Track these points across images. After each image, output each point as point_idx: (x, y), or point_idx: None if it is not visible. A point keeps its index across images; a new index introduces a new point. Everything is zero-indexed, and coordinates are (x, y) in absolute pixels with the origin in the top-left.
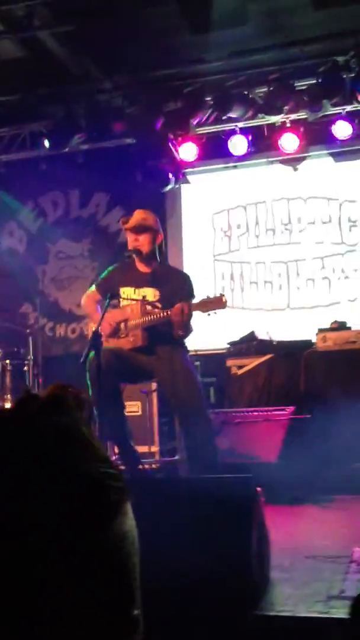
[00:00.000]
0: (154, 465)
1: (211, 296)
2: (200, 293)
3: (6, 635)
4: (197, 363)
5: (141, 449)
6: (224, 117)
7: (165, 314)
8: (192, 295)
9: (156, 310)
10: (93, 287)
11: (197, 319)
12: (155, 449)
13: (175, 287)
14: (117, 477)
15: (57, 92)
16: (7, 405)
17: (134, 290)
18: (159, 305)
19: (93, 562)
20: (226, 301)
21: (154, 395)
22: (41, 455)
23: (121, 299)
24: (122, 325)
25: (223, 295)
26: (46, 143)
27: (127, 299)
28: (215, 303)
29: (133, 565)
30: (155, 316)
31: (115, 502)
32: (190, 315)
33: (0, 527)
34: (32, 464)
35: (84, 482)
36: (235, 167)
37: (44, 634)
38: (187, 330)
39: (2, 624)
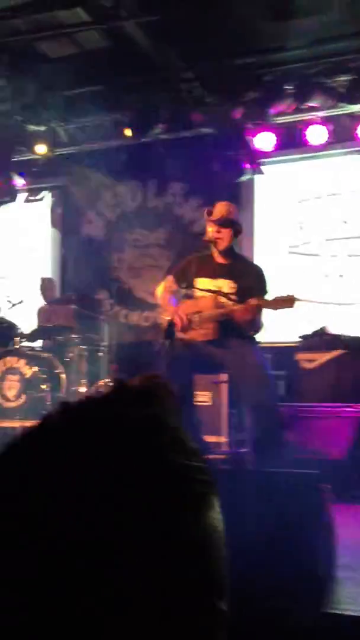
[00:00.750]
0: (222, 457)
1: (283, 294)
2: (272, 285)
3: (92, 632)
4: (268, 356)
5: (210, 439)
6: (303, 107)
7: (232, 309)
8: (265, 291)
9: (230, 303)
10: (169, 277)
11: (270, 311)
12: (224, 439)
13: (250, 281)
14: (204, 470)
15: (139, 82)
16: (82, 389)
17: (210, 281)
18: (233, 297)
19: (180, 555)
20: (295, 300)
21: (224, 386)
22: (129, 446)
23: (196, 290)
24: (196, 317)
25: (294, 295)
26: (128, 132)
27: (203, 290)
28: (285, 302)
29: (221, 559)
30: (225, 310)
31: (202, 495)
32: (259, 312)
33: (88, 519)
34: (120, 455)
35: (171, 474)
36: (312, 157)
37: (130, 628)
38: (254, 327)
39: (88, 618)
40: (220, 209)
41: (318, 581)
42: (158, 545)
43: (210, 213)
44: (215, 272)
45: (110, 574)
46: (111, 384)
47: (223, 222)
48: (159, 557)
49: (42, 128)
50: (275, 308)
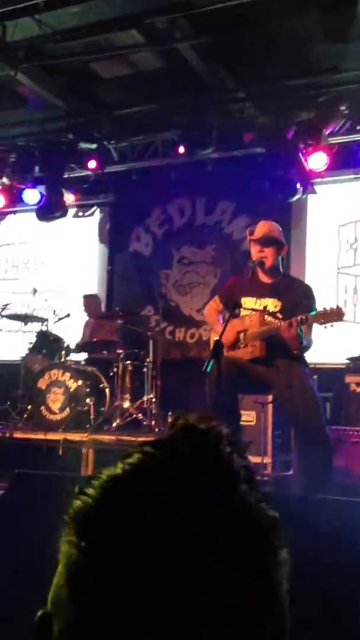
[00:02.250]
0: (265, 478)
1: (328, 308)
2: (321, 306)
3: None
4: (315, 377)
5: (253, 459)
6: (357, 127)
7: (277, 326)
8: (313, 308)
9: (275, 321)
10: (216, 297)
11: (316, 332)
12: (267, 460)
13: (296, 298)
14: (278, 519)
15: (192, 102)
16: (126, 404)
17: (255, 300)
18: (279, 315)
19: (255, 610)
20: (344, 313)
21: (270, 407)
22: (213, 494)
23: (242, 309)
24: (242, 335)
25: (340, 307)
26: (182, 149)
27: (248, 309)
28: (332, 315)
29: (285, 612)
30: (271, 327)
31: (281, 546)
32: (309, 329)
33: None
34: (204, 504)
35: (251, 520)
36: None
37: None
38: (302, 344)
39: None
40: (262, 228)
41: None
42: (239, 594)
43: (252, 232)
44: (260, 291)
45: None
46: (177, 424)
47: (264, 241)
48: (239, 608)
49: (94, 146)
50: (321, 322)
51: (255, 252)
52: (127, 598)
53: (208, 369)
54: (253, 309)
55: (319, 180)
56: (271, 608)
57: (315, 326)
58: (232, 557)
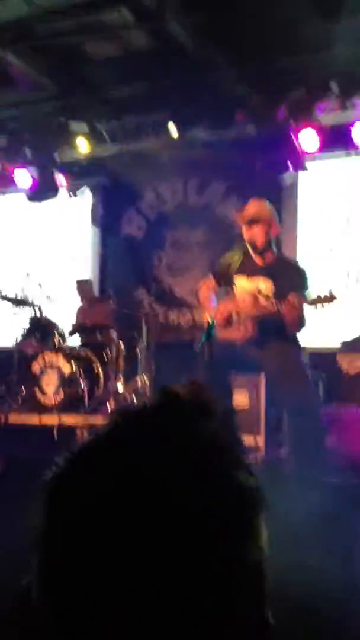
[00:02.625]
0: (260, 458)
1: (321, 294)
2: (314, 286)
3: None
4: (307, 358)
5: (247, 439)
6: (348, 105)
7: (277, 307)
8: (306, 288)
9: (268, 302)
10: (210, 276)
11: (309, 315)
12: (260, 439)
13: (289, 280)
14: (258, 487)
15: (183, 82)
16: (120, 387)
17: (248, 280)
18: (271, 297)
19: (241, 573)
20: (336, 297)
21: (262, 387)
22: (195, 463)
23: (235, 288)
24: (234, 316)
25: (332, 292)
26: (173, 131)
27: (241, 288)
28: (326, 298)
29: (267, 575)
30: (267, 309)
31: (258, 513)
32: (301, 309)
33: (155, 537)
34: (186, 473)
35: (237, 491)
36: (357, 155)
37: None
38: (300, 324)
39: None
40: (250, 208)
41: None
42: (222, 564)
43: (241, 212)
44: (253, 271)
45: (171, 596)
46: (163, 393)
47: (252, 221)
48: (223, 577)
49: (85, 127)
50: (313, 304)
51: (245, 232)
52: (85, 567)
53: (201, 349)
54: (247, 290)
55: (311, 158)
56: (244, 575)
57: (308, 309)
58: (199, 528)
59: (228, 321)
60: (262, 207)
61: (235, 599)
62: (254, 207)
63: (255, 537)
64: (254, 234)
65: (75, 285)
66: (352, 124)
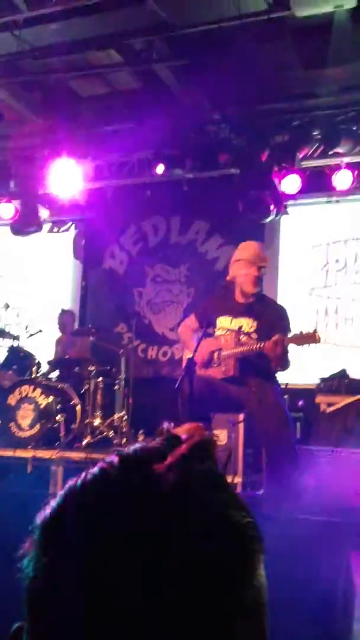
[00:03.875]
0: None
1: (304, 332)
2: (293, 326)
3: None
4: (286, 397)
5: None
6: (330, 152)
7: (259, 346)
8: (288, 329)
9: (250, 341)
10: (192, 316)
11: (289, 352)
12: (238, 479)
13: (272, 319)
14: (255, 525)
15: (167, 122)
16: (97, 422)
17: (231, 320)
18: (254, 335)
19: (234, 616)
20: (319, 337)
21: (241, 426)
22: (192, 502)
23: (217, 329)
24: (216, 354)
25: (317, 331)
26: (160, 169)
27: (223, 329)
28: (309, 338)
29: (266, 617)
30: (249, 347)
31: (255, 552)
32: (285, 349)
33: (153, 581)
34: (183, 510)
35: (231, 531)
36: (337, 201)
37: None
38: (285, 364)
39: None
40: (251, 247)
41: (334, 632)
42: (220, 601)
43: (241, 252)
44: (235, 311)
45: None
46: (162, 434)
47: (252, 261)
48: (220, 614)
49: (71, 162)
50: (299, 344)
51: (236, 270)
52: (74, 603)
53: (181, 387)
54: (228, 329)
55: (292, 202)
56: (246, 611)
57: (290, 346)
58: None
59: (208, 360)
60: (261, 250)
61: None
62: (255, 248)
63: (254, 576)
64: (248, 274)
65: (58, 315)
66: (333, 170)
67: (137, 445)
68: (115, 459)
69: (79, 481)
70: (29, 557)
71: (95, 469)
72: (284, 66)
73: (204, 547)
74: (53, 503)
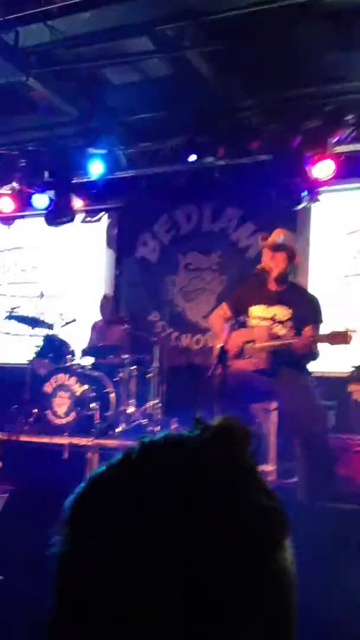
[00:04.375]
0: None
1: (336, 331)
2: (326, 314)
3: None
4: (319, 386)
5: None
6: None
7: (290, 342)
8: (320, 320)
9: (285, 331)
10: (224, 304)
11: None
12: (271, 468)
13: (305, 308)
14: (280, 509)
15: (200, 109)
16: (131, 409)
17: (265, 308)
18: (289, 324)
19: (257, 598)
20: (351, 337)
21: (274, 414)
22: (211, 484)
23: (250, 317)
24: (248, 346)
25: (348, 330)
26: (192, 157)
27: (257, 318)
28: (341, 337)
29: (292, 602)
30: (281, 342)
31: (280, 536)
32: (315, 346)
33: (169, 555)
34: (202, 493)
35: (251, 513)
36: None
37: None
38: (314, 357)
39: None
40: (275, 234)
41: None
42: (237, 584)
43: (265, 239)
44: (269, 299)
45: (187, 619)
46: (195, 422)
47: (276, 247)
48: (238, 597)
49: (103, 152)
50: (331, 343)
51: (266, 259)
52: (100, 580)
53: (213, 375)
54: (263, 318)
55: (324, 188)
56: (273, 599)
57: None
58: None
59: (240, 351)
60: (288, 236)
61: (260, 624)
62: (280, 235)
63: (278, 558)
64: (276, 261)
65: (92, 304)
66: None
67: (162, 434)
68: (139, 444)
69: (103, 468)
70: (58, 537)
71: (118, 456)
72: (316, 50)
73: (228, 529)
74: (80, 486)
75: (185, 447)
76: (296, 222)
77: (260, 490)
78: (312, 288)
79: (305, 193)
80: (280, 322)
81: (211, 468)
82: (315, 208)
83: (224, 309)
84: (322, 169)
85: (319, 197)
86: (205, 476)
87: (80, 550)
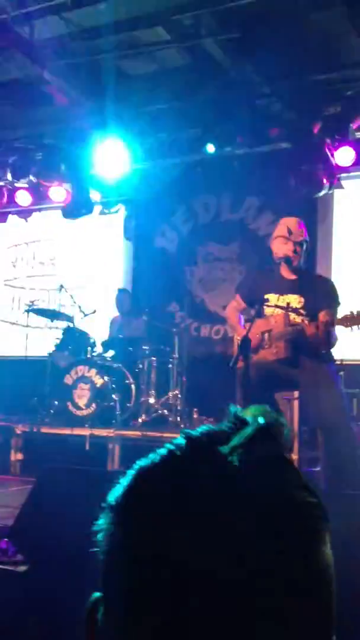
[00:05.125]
0: None
1: (355, 312)
2: (348, 301)
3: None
4: (341, 373)
5: None
6: None
7: (309, 326)
8: (337, 303)
9: (300, 319)
10: (237, 296)
11: (343, 328)
12: (294, 456)
13: (320, 294)
14: (320, 505)
15: (217, 98)
16: (151, 400)
17: (278, 297)
18: (303, 312)
19: (298, 594)
20: None
21: (296, 403)
22: (256, 482)
23: (265, 307)
24: (266, 335)
25: None
26: (211, 148)
27: (271, 306)
28: (355, 319)
29: (333, 594)
30: (298, 325)
31: (322, 531)
32: (327, 331)
33: (212, 548)
34: (247, 490)
35: (294, 511)
36: None
37: None
38: (329, 343)
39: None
40: (286, 223)
41: None
42: (280, 579)
43: (276, 228)
44: (282, 287)
45: (226, 619)
46: (228, 417)
47: (285, 236)
48: (281, 592)
49: (120, 143)
50: (347, 325)
51: (277, 246)
52: (153, 578)
53: (235, 365)
54: (276, 306)
55: (345, 175)
56: (316, 592)
57: (339, 327)
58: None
59: (259, 341)
60: (294, 224)
61: (298, 622)
62: (287, 223)
63: (319, 555)
64: (286, 249)
65: (111, 296)
66: None
67: (204, 427)
68: (182, 440)
69: (148, 462)
70: (103, 533)
71: (163, 450)
72: (335, 35)
73: (268, 527)
74: (124, 482)
75: (230, 444)
76: (317, 210)
77: (303, 486)
78: (336, 276)
79: (325, 180)
80: (294, 310)
81: (259, 466)
82: (337, 195)
83: (238, 300)
84: (343, 155)
85: (342, 183)
86: (254, 475)
87: (129, 549)
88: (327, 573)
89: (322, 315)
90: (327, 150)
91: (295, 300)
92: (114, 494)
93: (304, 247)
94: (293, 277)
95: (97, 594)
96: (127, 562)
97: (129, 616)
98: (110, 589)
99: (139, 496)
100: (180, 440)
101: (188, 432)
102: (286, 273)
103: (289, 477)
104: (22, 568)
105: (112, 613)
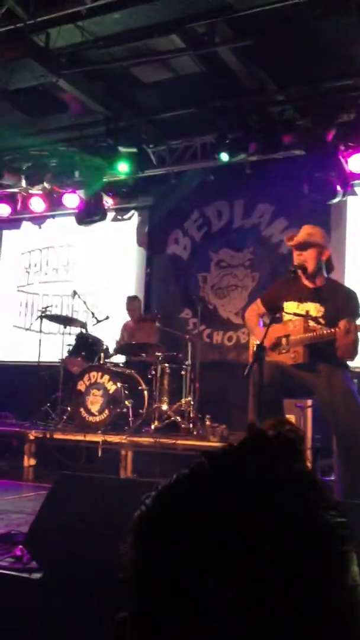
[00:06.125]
0: None
1: None
2: None
3: None
4: (355, 381)
5: None
6: None
7: (329, 332)
8: (357, 314)
9: (319, 327)
10: (258, 300)
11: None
12: (307, 465)
13: (340, 304)
14: (347, 525)
15: (231, 106)
16: (164, 407)
17: (297, 305)
18: (322, 321)
19: (327, 617)
20: None
21: (309, 411)
22: (282, 502)
23: (284, 313)
24: (284, 340)
25: None
26: (224, 157)
27: (290, 314)
28: None
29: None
30: (318, 333)
31: (349, 552)
32: (356, 336)
33: (242, 578)
34: (271, 515)
35: (322, 532)
36: None
37: None
38: (354, 352)
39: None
40: (302, 233)
41: None
42: (309, 602)
43: (290, 239)
44: (302, 295)
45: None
46: (250, 431)
47: (303, 246)
48: (309, 616)
49: (134, 150)
50: None
51: (295, 257)
52: (176, 600)
53: (250, 372)
54: (295, 314)
55: (358, 181)
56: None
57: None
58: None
59: (276, 345)
60: (313, 232)
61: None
62: (305, 232)
63: (346, 576)
64: (304, 259)
65: (124, 302)
66: None
67: (225, 446)
68: (204, 460)
69: (172, 482)
70: (128, 554)
71: (186, 471)
72: (349, 43)
73: (292, 549)
74: (148, 502)
75: (251, 464)
76: (330, 217)
77: (329, 506)
78: (349, 282)
79: (339, 187)
80: (314, 319)
81: (282, 486)
82: (350, 202)
83: (258, 305)
84: (357, 162)
85: (356, 190)
86: (277, 495)
87: (153, 570)
88: (355, 593)
89: (343, 323)
90: (340, 157)
91: (314, 309)
92: (138, 517)
93: (319, 254)
94: (313, 285)
95: (123, 614)
96: (155, 587)
97: (157, 636)
98: (138, 611)
99: (162, 525)
100: (201, 461)
101: (209, 453)
102: (306, 281)
103: (313, 496)
104: (37, 575)
105: (140, 634)
